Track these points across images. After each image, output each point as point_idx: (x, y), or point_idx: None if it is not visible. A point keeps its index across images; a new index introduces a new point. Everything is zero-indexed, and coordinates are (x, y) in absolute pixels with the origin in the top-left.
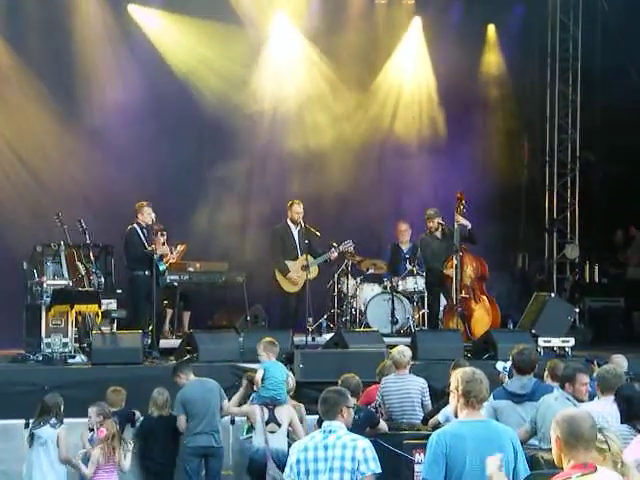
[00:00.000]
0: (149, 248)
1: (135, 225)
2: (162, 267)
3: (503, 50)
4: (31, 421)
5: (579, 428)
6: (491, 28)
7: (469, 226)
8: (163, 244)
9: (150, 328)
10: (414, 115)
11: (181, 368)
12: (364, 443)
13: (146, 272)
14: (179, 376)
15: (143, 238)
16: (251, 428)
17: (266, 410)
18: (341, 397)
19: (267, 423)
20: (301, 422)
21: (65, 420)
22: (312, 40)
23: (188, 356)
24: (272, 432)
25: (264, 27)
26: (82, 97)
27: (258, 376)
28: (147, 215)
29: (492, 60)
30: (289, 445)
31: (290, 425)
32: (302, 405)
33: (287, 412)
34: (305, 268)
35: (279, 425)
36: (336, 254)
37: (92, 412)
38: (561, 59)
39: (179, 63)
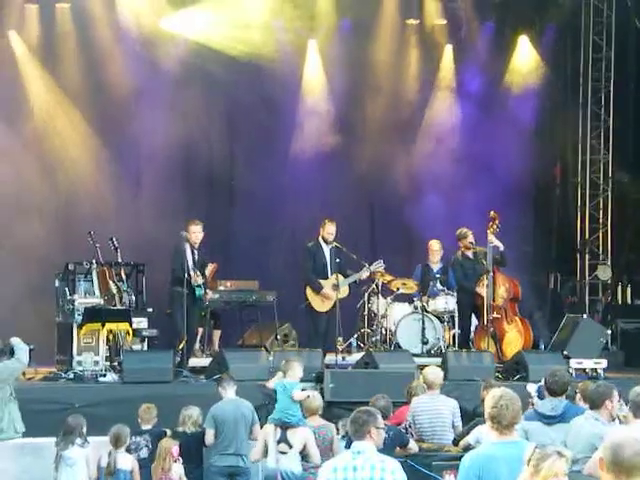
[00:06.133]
0: (192, 272)
1: (184, 243)
2: (199, 292)
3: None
4: (54, 441)
5: (623, 455)
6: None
7: (501, 247)
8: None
9: (181, 346)
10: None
11: (224, 381)
12: (393, 465)
13: (185, 290)
14: (221, 387)
15: (189, 257)
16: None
17: (279, 430)
18: (370, 417)
19: (278, 443)
20: (332, 441)
21: (95, 438)
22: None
23: (219, 375)
24: (282, 453)
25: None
26: (117, 121)
27: (269, 384)
28: (192, 234)
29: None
30: (304, 468)
31: (305, 449)
32: (333, 425)
33: (301, 434)
34: (335, 287)
35: (290, 446)
36: (367, 274)
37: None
38: (593, 79)
39: None
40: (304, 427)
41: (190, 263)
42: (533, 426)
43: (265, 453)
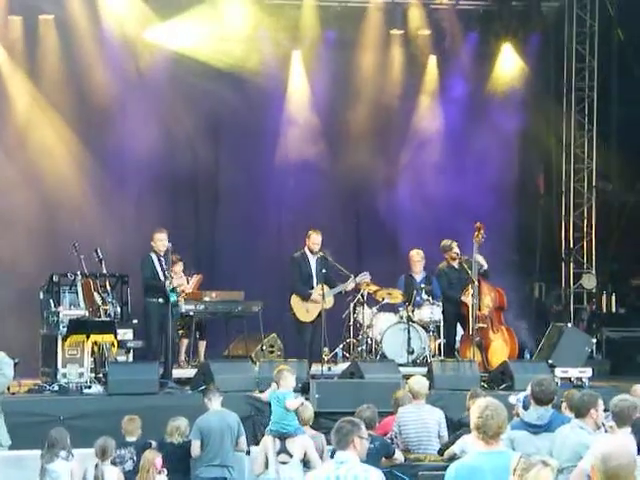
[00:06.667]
0: (162, 278)
1: (151, 252)
2: (173, 298)
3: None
4: (39, 454)
5: (611, 464)
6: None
7: (485, 267)
8: (180, 274)
9: (163, 358)
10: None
11: (209, 393)
12: (377, 475)
13: (159, 300)
14: (207, 398)
15: (157, 266)
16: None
17: (278, 441)
18: (354, 427)
19: (278, 454)
20: (322, 452)
21: (80, 451)
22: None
23: (204, 386)
24: (284, 463)
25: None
26: (101, 131)
27: (264, 397)
28: (158, 242)
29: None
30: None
31: (305, 456)
32: (322, 435)
33: (301, 443)
34: (321, 297)
35: (290, 456)
36: (352, 285)
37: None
38: (577, 89)
39: None
40: (302, 435)
41: (159, 270)
42: (519, 435)
43: (266, 465)
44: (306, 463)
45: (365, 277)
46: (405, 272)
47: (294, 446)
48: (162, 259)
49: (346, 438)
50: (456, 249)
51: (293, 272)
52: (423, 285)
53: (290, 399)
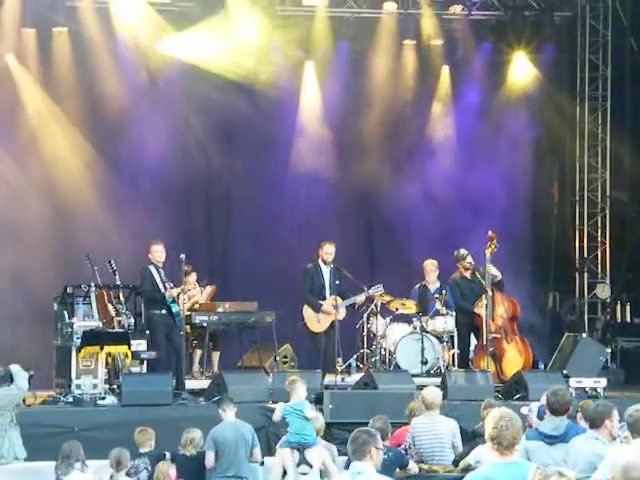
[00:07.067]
0: (163, 289)
1: (149, 265)
2: (175, 308)
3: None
4: (54, 466)
5: (632, 475)
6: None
7: (499, 277)
8: (194, 284)
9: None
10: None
11: (224, 403)
12: None
13: (162, 311)
14: (221, 409)
15: (157, 277)
16: (285, 473)
17: (296, 452)
18: (370, 437)
19: (298, 465)
20: (333, 463)
21: (94, 462)
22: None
23: (218, 397)
24: (304, 474)
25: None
26: (114, 141)
27: (275, 417)
28: (155, 253)
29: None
30: None
31: (323, 465)
32: (334, 446)
33: (318, 453)
34: (334, 308)
35: (310, 466)
36: (363, 298)
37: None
38: (590, 98)
39: None
40: (319, 445)
41: (159, 282)
42: (534, 445)
43: (283, 477)
44: (321, 474)
45: (378, 290)
46: (419, 282)
47: (313, 456)
48: (161, 270)
49: (363, 448)
50: (469, 258)
51: (305, 283)
52: (437, 295)
53: (308, 408)
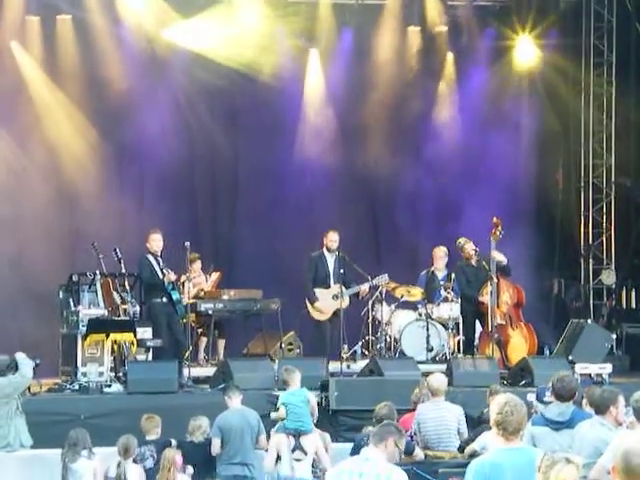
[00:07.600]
0: (161, 277)
1: (147, 254)
2: (175, 296)
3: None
4: (61, 453)
5: (634, 462)
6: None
7: (505, 262)
8: (199, 272)
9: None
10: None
11: (229, 390)
12: (399, 475)
13: (163, 299)
14: (227, 396)
15: (155, 265)
16: (278, 458)
17: (292, 438)
18: (398, 432)
19: (293, 451)
20: (326, 451)
21: (101, 449)
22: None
23: (223, 384)
24: (298, 460)
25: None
26: (120, 128)
27: (281, 414)
28: (153, 242)
29: (525, 86)
30: (314, 474)
31: (315, 453)
32: (327, 434)
33: (313, 440)
34: (336, 297)
35: (305, 453)
36: (367, 287)
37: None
38: (595, 84)
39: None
40: (314, 433)
41: (157, 270)
42: (540, 431)
43: (276, 462)
44: (313, 462)
45: (383, 279)
46: (427, 268)
47: (308, 443)
48: (159, 259)
49: (384, 435)
50: (471, 246)
51: (308, 271)
52: (444, 282)
53: (311, 395)
